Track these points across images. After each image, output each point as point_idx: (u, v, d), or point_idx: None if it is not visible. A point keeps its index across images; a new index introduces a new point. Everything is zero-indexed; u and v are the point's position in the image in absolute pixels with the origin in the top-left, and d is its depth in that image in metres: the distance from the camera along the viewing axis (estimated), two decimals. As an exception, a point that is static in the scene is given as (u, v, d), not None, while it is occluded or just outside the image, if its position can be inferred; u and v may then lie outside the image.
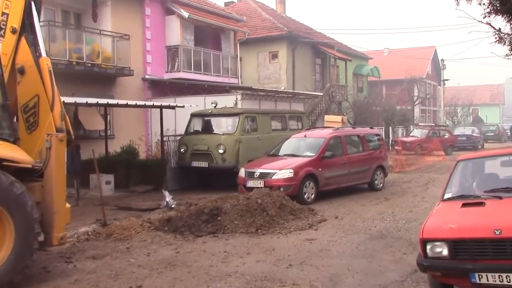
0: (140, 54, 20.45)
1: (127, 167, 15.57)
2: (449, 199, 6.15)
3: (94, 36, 17.96)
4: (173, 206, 11.86)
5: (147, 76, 20.61)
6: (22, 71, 7.47)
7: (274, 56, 31.08)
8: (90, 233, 9.58)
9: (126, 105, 12.86)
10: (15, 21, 7.49)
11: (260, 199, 10.29)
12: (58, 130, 7.17)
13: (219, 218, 9.92)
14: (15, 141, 6.82)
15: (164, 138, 15.58)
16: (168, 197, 11.89)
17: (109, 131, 19.27)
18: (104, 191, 13.80)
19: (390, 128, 32.80)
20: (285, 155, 13.69)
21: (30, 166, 6.54)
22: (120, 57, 18.60)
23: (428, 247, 5.30)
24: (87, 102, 11.49)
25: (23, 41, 7.49)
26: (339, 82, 33.73)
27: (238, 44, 25.44)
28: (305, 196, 12.63)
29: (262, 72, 31.09)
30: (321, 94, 28.49)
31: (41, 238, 6.59)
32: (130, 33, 19.00)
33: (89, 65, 17.40)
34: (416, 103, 47.24)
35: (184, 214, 10.45)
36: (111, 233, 9.43)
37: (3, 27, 7.59)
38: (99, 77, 18.20)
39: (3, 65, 7.56)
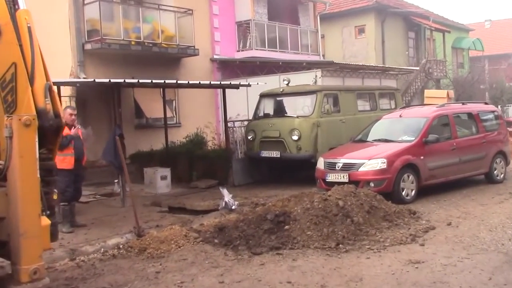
0: (207, 31, 18.29)
1: (190, 159, 13.43)
2: None
3: (153, 12, 16.00)
4: (233, 207, 9.51)
5: (215, 56, 18.42)
6: (-3, 31, 5.36)
7: (361, 30, 27.86)
8: (121, 247, 7.44)
9: (176, 85, 10.68)
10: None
11: (342, 201, 7.61)
12: (41, 112, 4.96)
13: (286, 227, 7.39)
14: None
15: (229, 124, 13.26)
16: (227, 197, 9.55)
17: (174, 119, 17.50)
18: (159, 188, 11.88)
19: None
20: (375, 140, 10.85)
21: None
22: (183, 35, 16.53)
23: None
24: (124, 80, 9.35)
25: (-5, -11, 5.36)
26: (436, 57, 29.73)
27: (318, 17, 22.55)
28: (403, 193, 9.76)
29: (347, 50, 27.98)
30: (417, 68, 24.89)
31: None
32: (195, 8, 16.86)
33: (148, 44, 15.47)
34: (526, 79, 41.60)
35: (243, 221, 8.04)
36: (145, 247, 7.21)
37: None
38: (160, 59, 16.27)
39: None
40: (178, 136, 15.42)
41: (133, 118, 16.20)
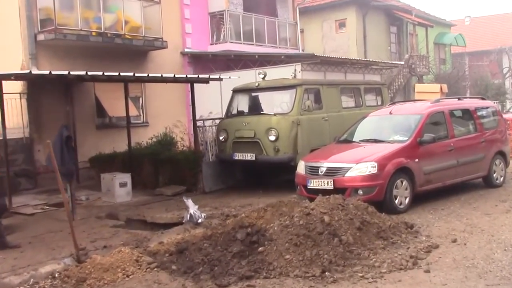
0: (177, 23, 16.84)
1: (156, 163, 11.96)
2: None
3: (116, 1, 14.45)
4: (200, 220, 8.12)
5: (186, 50, 16.99)
6: None
7: (342, 25, 26.66)
8: (56, 275, 6.01)
9: (135, 79, 9.18)
10: None
11: (328, 215, 6.29)
12: None
13: (260, 249, 6.04)
14: None
15: (199, 123, 11.87)
16: (192, 208, 8.16)
17: (141, 118, 16.04)
18: (118, 196, 10.43)
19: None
20: (362, 141, 9.56)
21: None
22: (150, 27, 15.05)
23: None
24: (69, 72, 7.82)
25: None
26: (419, 52, 28.70)
27: (297, 9, 21.23)
28: (396, 201, 8.50)
29: (327, 45, 26.75)
30: (402, 63, 23.77)
31: None
32: (163, -4, 15.43)
33: (110, 36, 13.95)
34: (507, 75, 40.96)
35: (210, 237, 6.70)
36: (85, 277, 5.80)
37: None
38: (125, 52, 14.79)
39: None
40: (146, 137, 13.96)
41: (94, 117, 14.71)
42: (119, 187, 10.44)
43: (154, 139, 13.52)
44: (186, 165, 11.20)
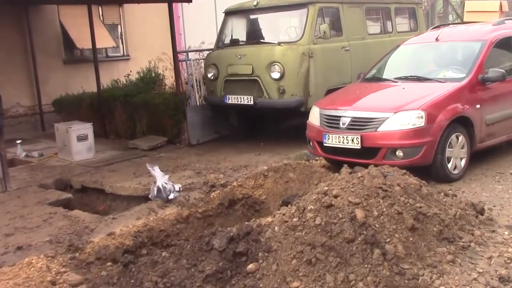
0: None
1: (130, 107, 9.48)
2: None
3: None
4: (172, 196, 5.74)
5: (173, -34, 14.05)
6: None
7: None
8: None
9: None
10: None
11: (362, 209, 3.84)
12: None
13: (250, 266, 3.66)
14: None
15: (182, 57, 9.28)
16: (160, 179, 5.75)
17: (120, 49, 13.44)
18: (76, 153, 8.07)
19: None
20: (399, 79, 6.94)
21: None
22: None
23: None
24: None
25: None
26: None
27: None
28: (449, 165, 6.04)
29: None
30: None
31: None
32: None
33: None
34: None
35: (183, 223, 4.37)
36: (-39, 317, 3.51)
37: None
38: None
39: None
40: (127, 72, 11.48)
41: (60, 50, 12.15)
42: (76, 141, 8.00)
43: (133, 76, 11.05)
44: (166, 110, 8.71)
